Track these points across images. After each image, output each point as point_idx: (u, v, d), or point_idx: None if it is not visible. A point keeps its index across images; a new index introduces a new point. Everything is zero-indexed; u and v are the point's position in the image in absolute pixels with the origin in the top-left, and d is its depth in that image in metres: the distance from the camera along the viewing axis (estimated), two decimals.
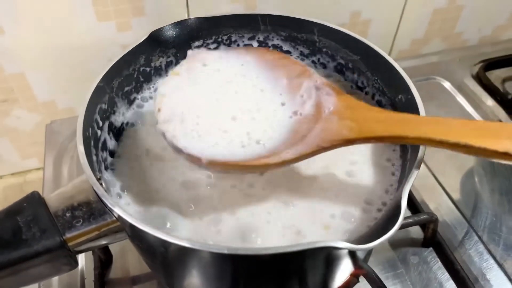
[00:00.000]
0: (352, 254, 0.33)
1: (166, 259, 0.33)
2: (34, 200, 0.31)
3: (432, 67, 0.73)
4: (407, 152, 0.37)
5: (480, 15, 0.80)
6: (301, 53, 0.48)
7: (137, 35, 0.62)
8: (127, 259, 0.48)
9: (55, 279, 0.46)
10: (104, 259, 0.46)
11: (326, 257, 0.31)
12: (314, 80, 0.38)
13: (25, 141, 0.70)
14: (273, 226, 0.35)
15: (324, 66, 0.47)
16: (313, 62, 0.48)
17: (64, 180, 0.56)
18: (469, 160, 0.60)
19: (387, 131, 0.33)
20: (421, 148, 0.33)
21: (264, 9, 0.65)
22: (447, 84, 0.70)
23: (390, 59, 0.40)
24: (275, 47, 0.48)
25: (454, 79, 0.71)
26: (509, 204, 0.54)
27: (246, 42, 0.47)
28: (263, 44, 0.48)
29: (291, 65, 0.40)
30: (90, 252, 0.47)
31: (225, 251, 0.28)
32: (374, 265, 0.47)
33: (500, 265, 0.48)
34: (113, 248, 0.48)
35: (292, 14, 0.45)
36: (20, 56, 0.60)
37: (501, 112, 0.66)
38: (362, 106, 0.35)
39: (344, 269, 0.38)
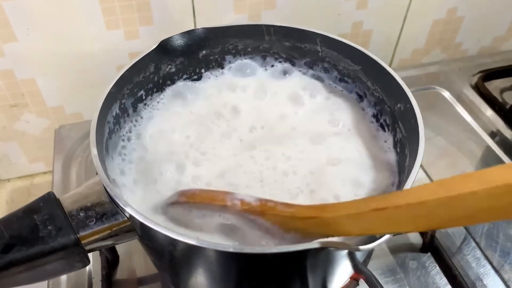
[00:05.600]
0: (352, 255, 0.34)
1: (174, 258, 0.34)
2: (50, 200, 0.33)
3: (432, 76, 0.74)
4: (405, 158, 0.38)
5: (480, 26, 0.81)
6: (305, 63, 0.49)
7: (145, 43, 0.64)
8: (133, 260, 0.49)
9: (63, 279, 0.47)
10: (111, 259, 0.48)
11: (327, 258, 0.32)
12: (234, 210, 0.35)
13: (33, 145, 0.71)
14: None
15: (327, 73, 0.49)
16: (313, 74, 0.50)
17: (73, 183, 0.57)
18: (469, 168, 0.61)
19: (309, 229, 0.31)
20: (420, 151, 0.34)
21: (268, 19, 0.67)
22: (446, 94, 0.72)
23: (390, 70, 0.41)
24: (278, 55, 0.50)
25: (453, 89, 0.72)
26: None
27: (251, 51, 0.49)
28: (268, 53, 0.50)
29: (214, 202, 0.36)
30: (98, 253, 0.48)
31: (231, 250, 0.29)
32: (373, 269, 0.48)
33: (497, 271, 0.49)
34: (119, 250, 0.49)
35: (295, 24, 0.47)
36: (31, 63, 0.61)
37: (499, 122, 0.67)
38: (289, 220, 0.32)
39: (344, 271, 0.39)
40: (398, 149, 0.42)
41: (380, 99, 0.44)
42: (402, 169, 0.39)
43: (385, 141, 0.43)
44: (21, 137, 0.70)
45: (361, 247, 0.29)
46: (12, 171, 0.74)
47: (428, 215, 0.24)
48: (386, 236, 0.29)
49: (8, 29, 0.57)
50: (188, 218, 0.36)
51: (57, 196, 0.34)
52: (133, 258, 0.49)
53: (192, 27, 0.64)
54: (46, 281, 0.47)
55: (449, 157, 0.63)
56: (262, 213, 0.33)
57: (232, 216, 0.35)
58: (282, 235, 0.32)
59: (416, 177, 0.33)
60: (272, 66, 0.50)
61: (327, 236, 0.31)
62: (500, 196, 0.21)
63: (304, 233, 0.32)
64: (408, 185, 0.33)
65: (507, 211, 0.21)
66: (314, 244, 0.28)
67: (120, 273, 0.48)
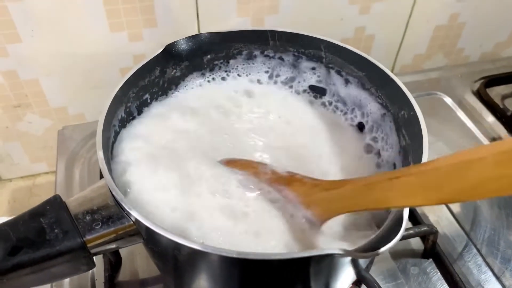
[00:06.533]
0: (355, 262, 0.34)
1: (178, 262, 0.34)
2: (56, 203, 0.33)
3: (434, 82, 0.74)
4: (408, 165, 0.38)
5: (481, 32, 0.82)
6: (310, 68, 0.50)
7: (148, 46, 0.65)
8: (136, 262, 0.49)
9: (66, 281, 0.47)
10: (114, 261, 0.48)
11: (331, 264, 0.32)
12: (264, 179, 0.38)
13: (36, 146, 0.71)
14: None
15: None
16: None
17: (76, 184, 0.57)
18: None
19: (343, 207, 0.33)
20: (424, 159, 0.35)
21: (271, 22, 0.67)
22: (448, 100, 0.72)
23: (394, 77, 0.42)
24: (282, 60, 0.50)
25: (455, 95, 0.72)
26: (507, 218, 0.56)
27: (257, 55, 0.50)
28: (271, 58, 0.50)
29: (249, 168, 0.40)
30: (101, 255, 0.48)
31: (234, 255, 0.29)
32: (375, 274, 0.49)
33: (498, 278, 0.49)
34: (122, 251, 0.49)
35: (298, 28, 0.47)
36: (35, 63, 0.62)
37: (500, 129, 0.67)
38: (313, 189, 0.35)
39: (346, 277, 0.39)
40: (402, 156, 0.42)
41: (384, 105, 0.44)
42: None
43: None
44: (24, 137, 0.70)
45: (366, 254, 0.29)
46: (14, 171, 0.74)
47: (438, 186, 0.24)
48: (391, 243, 0.29)
49: (13, 30, 0.58)
50: None
51: (62, 197, 0.34)
52: (136, 260, 0.49)
53: (195, 30, 0.65)
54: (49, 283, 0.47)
55: None
56: (289, 183, 0.36)
57: (263, 185, 0.38)
58: (304, 212, 0.35)
59: None
60: None
61: (342, 212, 0.33)
62: (508, 163, 0.21)
63: (326, 206, 0.33)
64: None
65: None
66: (319, 251, 0.29)
67: (123, 275, 0.48)
